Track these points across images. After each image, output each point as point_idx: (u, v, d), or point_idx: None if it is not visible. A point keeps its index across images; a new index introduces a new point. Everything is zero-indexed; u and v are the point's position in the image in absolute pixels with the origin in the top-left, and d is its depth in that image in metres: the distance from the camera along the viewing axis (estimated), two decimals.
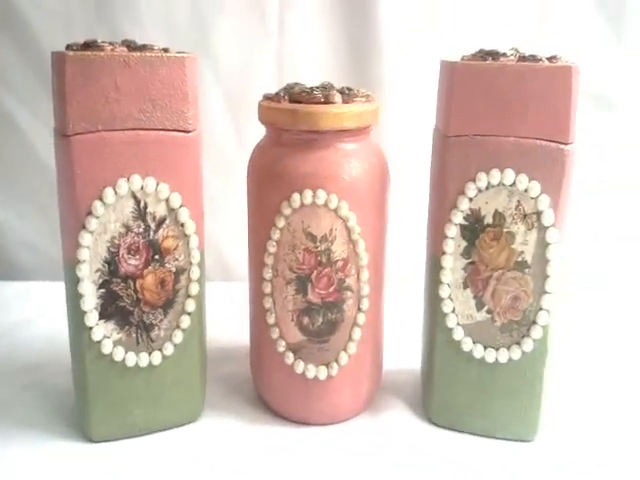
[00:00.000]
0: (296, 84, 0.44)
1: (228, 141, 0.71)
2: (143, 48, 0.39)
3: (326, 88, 0.42)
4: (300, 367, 0.44)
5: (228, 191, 0.71)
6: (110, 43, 0.39)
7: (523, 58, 0.38)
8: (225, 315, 0.60)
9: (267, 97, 0.44)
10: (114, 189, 0.39)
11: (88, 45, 0.38)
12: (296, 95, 0.42)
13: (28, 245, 0.73)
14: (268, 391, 0.47)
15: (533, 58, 0.38)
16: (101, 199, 0.39)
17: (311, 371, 0.44)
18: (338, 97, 0.41)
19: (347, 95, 0.42)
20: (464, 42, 0.65)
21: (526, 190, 0.39)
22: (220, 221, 0.71)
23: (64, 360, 0.44)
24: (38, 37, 0.66)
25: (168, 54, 0.39)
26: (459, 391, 0.44)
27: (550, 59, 0.38)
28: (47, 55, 0.63)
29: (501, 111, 0.38)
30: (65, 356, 0.43)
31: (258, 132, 0.45)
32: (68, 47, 0.39)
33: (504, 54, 0.38)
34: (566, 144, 0.38)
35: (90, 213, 0.39)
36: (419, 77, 0.67)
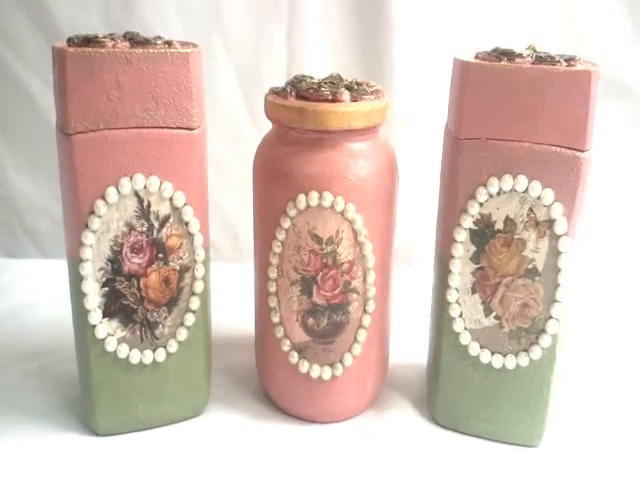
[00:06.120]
0: (303, 77, 0.43)
1: (241, 119, 0.70)
2: (146, 43, 0.38)
3: (334, 83, 0.41)
4: (304, 367, 0.43)
5: (242, 170, 0.70)
6: (112, 38, 0.38)
7: (540, 59, 0.36)
8: (234, 297, 0.60)
9: (274, 91, 0.42)
10: (117, 188, 0.38)
11: (89, 40, 0.37)
12: (303, 91, 0.40)
13: (46, 213, 0.73)
14: (272, 388, 0.46)
15: (551, 59, 0.36)
16: (104, 198, 0.38)
17: (315, 371, 0.43)
18: (346, 95, 0.40)
19: (356, 91, 0.41)
20: (480, 32, 0.63)
21: (539, 197, 0.38)
22: (235, 201, 0.70)
23: (71, 345, 0.44)
24: (51, 9, 0.65)
25: (171, 50, 0.38)
26: (465, 395, 0.43)
27: (568, 61, 0.36)
28: (60, 27, 0.64)
29: (515, 115, 0.37)
30: (72, 341, 0.43)
31: None
32: (69, 41, 0.37)
33: (520, 54, 0.36)
34: (582, 151, 0.36)
35: (93, 212, 0.38)
36: (432, 65, 0.65)
